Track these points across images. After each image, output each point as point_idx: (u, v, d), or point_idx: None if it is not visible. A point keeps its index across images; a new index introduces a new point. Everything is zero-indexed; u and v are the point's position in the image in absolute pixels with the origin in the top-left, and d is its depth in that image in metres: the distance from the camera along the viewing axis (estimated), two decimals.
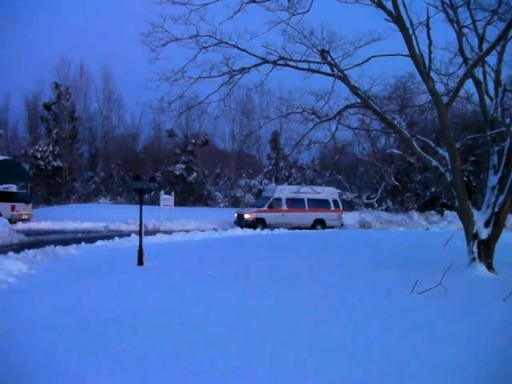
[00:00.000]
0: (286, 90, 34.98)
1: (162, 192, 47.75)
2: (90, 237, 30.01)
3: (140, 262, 18.32)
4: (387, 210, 62.33)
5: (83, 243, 24.70)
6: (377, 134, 53.13)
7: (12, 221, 36.54)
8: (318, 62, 19.74)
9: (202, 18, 19.29)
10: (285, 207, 43.87)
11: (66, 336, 9.27)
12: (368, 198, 64.64)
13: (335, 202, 46.62)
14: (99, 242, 25.71)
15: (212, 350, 8.38)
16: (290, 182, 72.22)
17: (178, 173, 73.28)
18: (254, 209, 44.46)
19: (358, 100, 19.75)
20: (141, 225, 19.40)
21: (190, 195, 73.33)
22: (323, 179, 73.02)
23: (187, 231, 34.03)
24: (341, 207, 47.18)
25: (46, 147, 73.53)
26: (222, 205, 73.02)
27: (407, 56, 17.96)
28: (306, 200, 44.34)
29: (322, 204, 45.63)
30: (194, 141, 75.99)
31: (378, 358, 8.07)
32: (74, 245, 23.70)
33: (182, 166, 74.18)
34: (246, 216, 42.51)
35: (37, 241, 29.57)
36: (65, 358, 8.08)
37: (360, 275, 16.33)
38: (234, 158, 78.79)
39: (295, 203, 43.82)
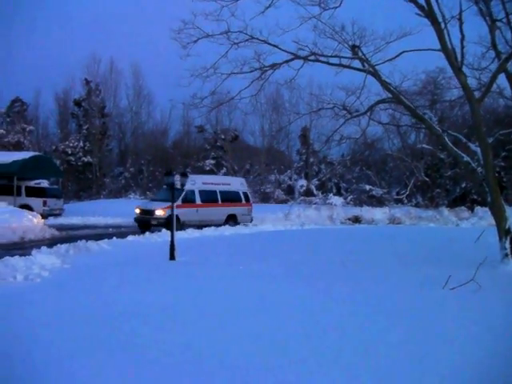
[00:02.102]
0: (316, 85, 34.94)
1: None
2: (120, 232, 30.22)
3: (172, 257, 18.38)
4: (417, 205, 61.79)
5: (114, 238, 24.79)
6: (407, 130, 52.74)
7: (44, 216, 36.75)
8: (349, 57, 19.64)
9: (233, 14, 19.30)
10: (199, 201, 36.86)
11: (100, 329, 9.36)
12: (398, 193, 64.20)
13: (245, 194, 41.05)
14: (130, 237, 25.81)
15: (247, 345, 8.42)
16: (320, 177, 72.12)
17: (207, 168, 73.38)
18: (163, 204, 33.51)
19: (389, 95, 19.65)
20: (173, 219, 19.47)
21: None
22: (352, 175, 72.80)
23: (217, 226, 34.10)
24: (250, 200, 42.01)
25: (76, 143, 74.08)
26: (251, 200, 72.95)
27: (439, 51, 17.81)
28: (218, 192, 38.59)
29: (233, 197, 39.89)
30: (223, 136, 76.14)
31: (414, 352, 8.07)
32: (106, 239, 23.78)
33: (212, 162, 74.30)
34: (159, 213, 34.05)
35: (68, 236, 29.85)
36: (97, 350, 8.19)
37: (391, 270, 16.28)
38: (264, 153, 78.61)
39: (208, 196, 37.64)
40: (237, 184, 41.27)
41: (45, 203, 40.94)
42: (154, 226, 33.59)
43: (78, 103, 78.55)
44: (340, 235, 30.83)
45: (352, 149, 65.36)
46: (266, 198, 72.40)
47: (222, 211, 38.31)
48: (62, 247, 20.39)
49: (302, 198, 65.19)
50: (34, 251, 18.44)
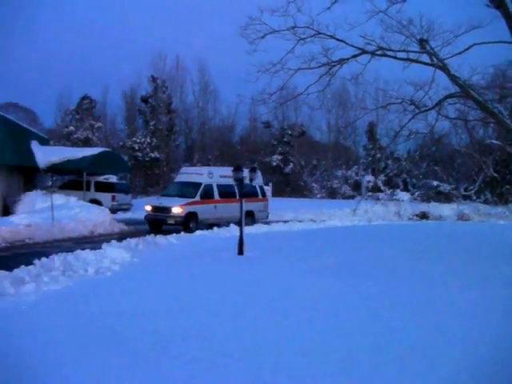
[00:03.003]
0: (382, 80, 34.45)
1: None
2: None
3: (240, 252, 18.28)
4: (486, 202, 60.64)
5: (182, 233, 24.94)
6: (475, 125, 51.83)
7: (112, 210, 37.10)
8: (417, 52, 19.37)
9: (300, 10, 19.21)
10: (217, 197, 33.03)
11: (169, 322, 9.43)
12: (466, 189, 63.33)
13: (261, 188, 37.27)
14: (198, 232, 25.89)
15: (317, 341, 8.26)
16: (387, 173, 71.46)
17: (274, 164, 73.43)
18: (179, 200, 31.24)
19: (458, 89, 19.23)
20: (241, 215, 19.42)
21: (287, 186, 73.46)
22: (420, 170, 71.97)
23: (285, 222, 33.97)
24: (266, 195, 38.08)
25: (143, 139, 74.80)
26: (318, 196, 72.85)
27: (510, 43, 17.34)
28: (235, 186, 31.84)
29: (249, 191, 33.24)
30: (290, 132, 76.07)
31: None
32: (174, 234, 23.95)
33: (279, 157, 74.40)
34: (176, 210, 30.31)
35: (137, 230, 30.14)
36: (173, 341, 8.28)
37: (460, 265, 15.93)
38: (331, 149, 78.42)
39: (225, 191, 33.43)
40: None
41: (113, 198, 41.36)
42: (170, 225, 30.10)
43: (144, 100, 79.31)
44: (410, 231, 30.32)
45: (419, 144, 64.52)
46: (332, 194, 72.24)
47: (239, 207, 33.22)
48: (132, 241, 20.54)
49: (369, 193, 64.64)
50: (104, 245, 18.61)
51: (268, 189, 45.23)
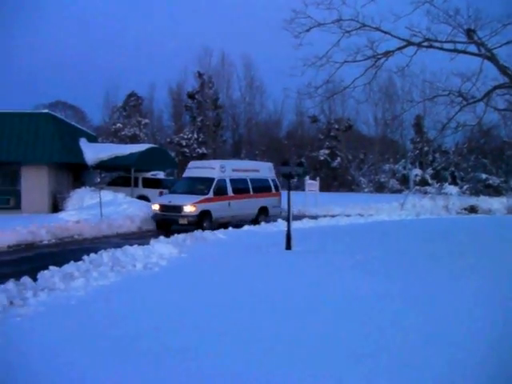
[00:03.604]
0: (429, 71, 33.95)
1: (307, 177, 47.45)
2: (235, 221, 30.41)
3: (288, 247, 18.22)
4: None
5: (230, 228, 25.07)
6: None
7: None
8: (464, 42, 19.04)
9: (344, 2, 19.05)
10: (230, 192, 30.06)
11: (219, 316, 9.47)
12: None
13: (274, 182, 34.07)
14: (246, 227, 25.92)
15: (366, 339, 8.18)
16: (435, 166, 70.76)
17: (322, 158, 73.25)
18: (191, 197, 28.21)
19: (507, 80, 18.89)
20: (289, 209, 19.32)
21: (334, 180, 73.26)
22: (468, 163, 71.15)
23: (332, 216, 33.71)
24: (279, 188, 34.25)
25: (190, 135, 75.20)
26: (366, 190, 72.45)
27: None
28: (249, 181, 31.74)
29: (263, 186, 33.06)
30: (337, 126, 75.77)
31: None
32: (222, 229, 24.09)
33: (326, 152, 74.21)
34: (189, 209, 27.33)
35: None
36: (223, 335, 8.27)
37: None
38: (378, 142, 77.87)
39: (239, 186, 30.94)
40: (265, 170, 34.25)
41: (161, 194, 41.54)
42: (181, 226, 27.21)
43: (191, 96, 79.73)
44: (461, 225, 29.93)
45: (467, 137, 63.78)
46: (380, 188, 71.82)
47: (253, 204, 31.51)
48: (179, 237, 20.60)
49: (417, 187, 64.06)
50: (152, 241, 18.70)
51: (315, 183, 45.04)
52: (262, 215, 31.80)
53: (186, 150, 73.60)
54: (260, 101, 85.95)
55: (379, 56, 19.64)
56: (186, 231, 23.39)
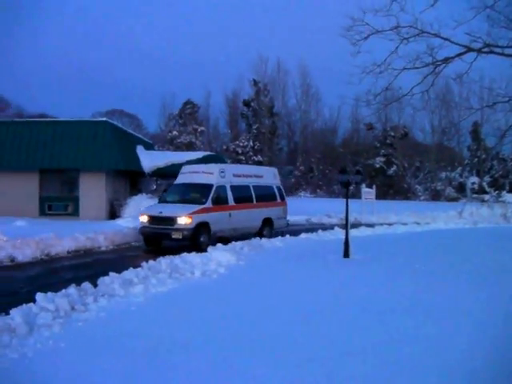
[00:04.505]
0: (488, 77, 33.47)
1: (363, 185, 47.13)
2: (292, 229, 30.12)
3: (346, 255, 18.10)
4: None
5: (287, 236, 24.93)
6: None
7: None
8: None
9: (403, 9, 18.88)
10: (231, 201, 25.48)
11: (284, 326, 9.43)
12: None
13: (279, 189, 29.65)
14: (303, 235, 25.74)
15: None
16: (493, 174, 69.74)
17: (377, 166, 72.85)
18: (186, 207, 23.72)
19: None
20: (347, 217, 19.18)
21: (390, 188, 72.75)
22: None
23: (389, 224, 33.42)
24: (285, 197, 30.03)
25: (246, 142, 75.50)
26: (422, 198, 71.83)
27: None
28: (251, 188, 27.20)
29: (267, 194, 28.53)
30: (393, 133, 75.29)
31: None
32: (279, 237, 24.01)
33: (382, 159, 73.83)
34: (183, 221, 22.83)
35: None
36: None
37: None
38: (434, 150, 77.10)
39: (241, 195, 26.40)
40: (269, 176, 29.51)
41: None
42: (174, 240, 23.29)
43: (247, 103, 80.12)
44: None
45: None
46: (436, 196, 71.18)
47: (257, 215, 27.08)
48: (237, 244, 20.58)
49: (474, 195, 63.21)
50: (209, 248, 18.70)
51: (372, 191, 44.76)
52: (267, 228, 27.54)
53: (242, 157, 73.87)
54: (316, 108, 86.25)
55: (438, 63, 19.44)
56: (180, 248, 20.82)
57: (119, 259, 20.31)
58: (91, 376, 7.18)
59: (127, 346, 8.39)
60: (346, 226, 18.90)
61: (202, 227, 23.16)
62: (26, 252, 19.34)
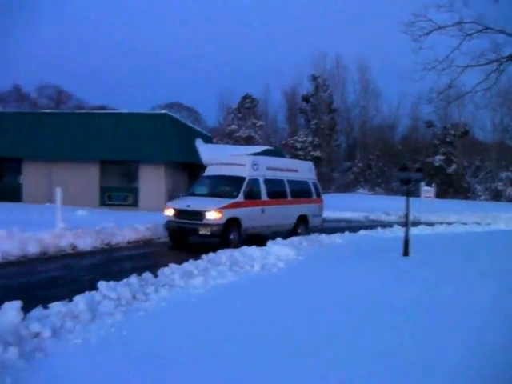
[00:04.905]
0: None
1: (423, 183, 46.67)
2: (351, 226, 29.99)
3: (406, 253, 17.93)
4: None
5: (346, 232, 24.80)
6: None
7: None
8: None
9: (466, 4, 18.62)
10: (264, 196, 23.36)
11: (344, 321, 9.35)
12: None
13: (315, 185, 27.49)
14: (362, 232, 25.67)
15: None
16: None
17: (437, 164, 72.04)
18: (215, 201, 21.67)
19: None
20: (407, 215, 19.02)
21: (449, 187, 71.90)
22: None
23: (449, 223, 33.05)
24: (321, 194, 27.94)
25: (305, 138, 75.40)
26: (482, 198, 70.81)
27: None
28: (286, 183, 25.12)
29: (303, 190, 26.50)
30: (453, 131, 74.37)
31: None
32: (338, 233, 23.90)
33: (441, 158, 72.94)
34: (212, 215, 20.63)
35: None
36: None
37: None
38: (495, 149, 75.93)
39: (275, 189, 24.34)
40: (305, 170, 27.49)
41: None
42: (202, 237, 21.33)
43: (305, 99, 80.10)
44: None
45: None
46: (497, 196, 70.09)
47: (292, 211, 25.15)
48: (296, 239, 20.51)
49: None
50: (268, 242, 18.72)
51: (431, 189, 44.33)
52: (302, 226, 25.52)
53: (301, 152, 73.79)
54: (375, 104, 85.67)
55: (503, 60, 19.10)
56: (207, 245, 20.47)
57: (178, 250, 20.59)
58: (156, 364, 7.20)
59: (189, 336, 8.41)
60: (406, 224, 18.73)
61: (232, 223, 21.16)
62: (86, 241, 19.59)
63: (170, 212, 21.79)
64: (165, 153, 34.21)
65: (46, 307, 8.93)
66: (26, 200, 35.31)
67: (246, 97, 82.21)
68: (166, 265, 13.56)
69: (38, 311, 8.69)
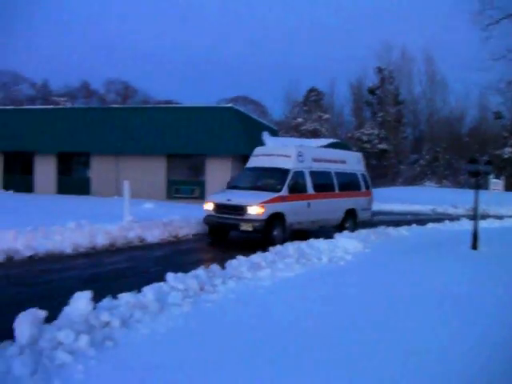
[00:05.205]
0: None
1: (491, 176, 45.92)
2: (418, 219, 29.68)
3: (474, 246, 17.65)
4: None
5: (414, 225, 24.61)
6: None
7: None
8: None
9: None
10: (310, 190, 21.91)
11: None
12: None
13: (364, 177, 26.09)
14: (430, 225, 25.41)
15: None
16: None
17: (505, 156, 70.77)
18: (257, 195, 20.29)
19: None
20: (476, 208, 18.69)
21: None
22: None
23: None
24: (370, 187, 26.42)
25: (371, 130, 74.93)
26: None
27: None
28: (333, 175, 23.70)
29: (351, 182, 25.03)
30: None
31: None
32: (405, 226, 23.71)
33: (511, 150, 71.54)
34: (255, 210, 19.35)
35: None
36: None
37: None
38: None
39: (322, 182, 22.85)
40: (353, 162, 25.93)
41: None
42: (244, 232, 20.15)
43: (371, 91, 79.65)
44: None
45: None
46: None
47: (339, 205, 23.70)
48: (363, 232, 20.40)
49: None
50: (336, 235, 18.59)
51: (500, 182, 43.61)
52: (350, 220, 24.21)
53: (367, 145, 73.45)
54: (442, 96, 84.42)
55: None
56: (251, 241, 20.28)
57: (245, 242, 20.76)
58: (223, 357, 7.22)
59: (258, 328, 8.42)
60: (474, 217, 18.39)
61: (275, 219, 19.87)
62: (154, 233, 19.84)
63: (209, 206, 20.77)
64: (231, 146, 34.40)
65: (115, 297, 9.08)
66: (94, 193, 36.01)
67: (311, 90, 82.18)
68: (232, 257, 13.62)
69: (107, 301, 8.85)
